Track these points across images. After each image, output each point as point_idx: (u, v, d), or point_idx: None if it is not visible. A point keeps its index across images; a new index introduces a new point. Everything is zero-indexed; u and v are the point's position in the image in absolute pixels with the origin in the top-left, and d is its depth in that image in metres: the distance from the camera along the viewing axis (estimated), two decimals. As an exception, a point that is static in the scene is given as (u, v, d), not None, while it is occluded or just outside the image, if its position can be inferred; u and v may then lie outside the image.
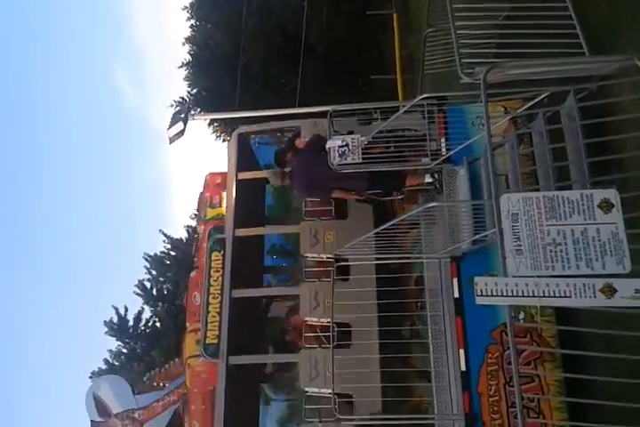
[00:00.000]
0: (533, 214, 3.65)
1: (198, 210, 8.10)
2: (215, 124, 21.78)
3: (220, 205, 7.67)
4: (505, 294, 3.46)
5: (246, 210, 7.37)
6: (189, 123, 7.74)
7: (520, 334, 5.58)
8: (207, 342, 6.78)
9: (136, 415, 8.31)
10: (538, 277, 3.51)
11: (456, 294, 5.90)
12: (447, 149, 6.26)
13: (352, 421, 5.86)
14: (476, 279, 3.52)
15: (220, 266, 6.93)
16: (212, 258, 6.99)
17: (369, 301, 6.11)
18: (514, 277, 3.54)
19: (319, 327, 6.29)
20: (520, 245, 3.59)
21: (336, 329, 5.95)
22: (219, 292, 6.84)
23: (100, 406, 8.41)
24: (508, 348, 5.30)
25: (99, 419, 8.39)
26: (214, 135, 22.47)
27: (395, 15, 16.07)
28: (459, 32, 5.36)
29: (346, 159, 6.12)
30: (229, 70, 18.17)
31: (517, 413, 3.73)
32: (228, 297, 6.84)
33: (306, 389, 6.30)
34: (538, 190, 4.66)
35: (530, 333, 5.67)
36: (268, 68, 18.98)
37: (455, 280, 5.93)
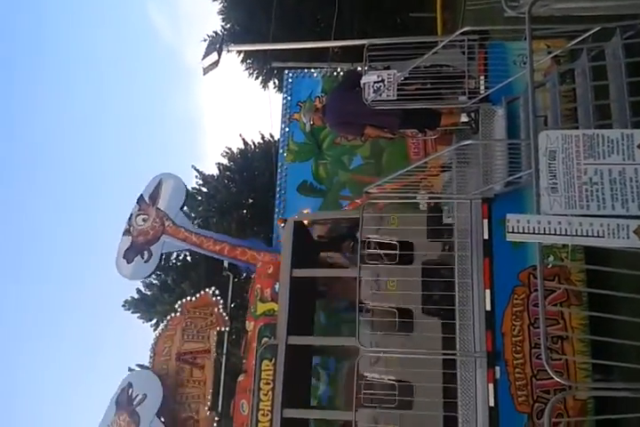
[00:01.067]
0: (571, 152, 3.57)
1: (249, 303, 7.33)
2: (248, 60, 21.55)
3: (272, 300, 6.87)
4: (537, 231, 3.43)
5: (299, 311, 6.60)
6: (223, 55, 7.68)
7: (548, 276, 5.56)
8: None
9: (166, 223, 8.29)
10: (571, 215, 3.47)
11: (485, 236, 5.86)
12: (486, 88, 6.09)
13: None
14: (508, 216, 3.49)
15: (271, 378, 6.21)
16: (263, 368, 6.27)
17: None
18: (547, 215, 3.50)
19: None
20: (555, 183, 3.53)
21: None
22: (269, 408, 6.16)
23: (155, 192, 8.54)
24: (535, 290, 5.30)
25: (147, 200, 8.54)
26: (247, 72, 22.32)
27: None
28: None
29: (380, 95, 5.99)
30: (264, 4, 17.82)
31: (542, 352, 3.75)
32: (279, 418, 6.10)
33: None
34: (577, 129, 4.54)
35: (558, 276, 5.65)
36: (304, 3, 18.57)
37: (485, 222, 5.89)
